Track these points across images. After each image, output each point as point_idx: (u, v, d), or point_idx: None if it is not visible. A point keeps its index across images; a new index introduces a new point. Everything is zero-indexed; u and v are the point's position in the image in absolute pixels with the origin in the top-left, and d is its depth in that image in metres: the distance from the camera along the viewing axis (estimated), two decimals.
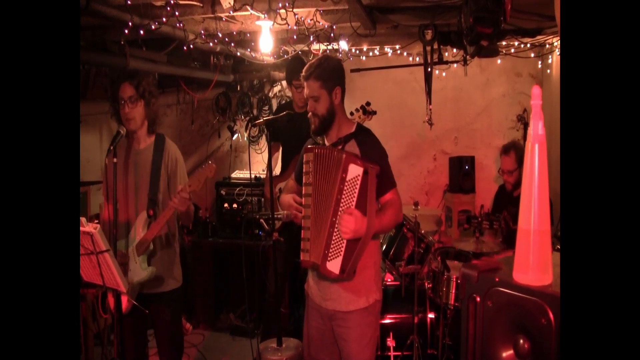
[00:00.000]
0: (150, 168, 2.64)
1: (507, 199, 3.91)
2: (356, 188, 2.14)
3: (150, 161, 2.65)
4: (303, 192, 2.31)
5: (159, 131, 2.75)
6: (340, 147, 2.34)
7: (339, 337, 2.42)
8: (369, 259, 2.36)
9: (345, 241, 2.17)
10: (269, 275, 3.93)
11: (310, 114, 2.37)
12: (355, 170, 2.14)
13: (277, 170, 4.16)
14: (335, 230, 2.18)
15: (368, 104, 3.20)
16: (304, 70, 2.36)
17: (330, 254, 2.20)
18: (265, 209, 4.29)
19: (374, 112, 3.32)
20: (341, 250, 2.18)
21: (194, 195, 2.57)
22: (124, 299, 2.52)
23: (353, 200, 2.16)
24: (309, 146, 2.37)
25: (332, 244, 2.20)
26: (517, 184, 3.72)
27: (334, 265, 2.20)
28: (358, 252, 2.18)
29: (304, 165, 2.32)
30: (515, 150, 3.78)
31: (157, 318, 2.73)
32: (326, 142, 2.43)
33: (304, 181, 2.31)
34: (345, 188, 2.16)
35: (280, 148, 4.08)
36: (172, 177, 2.70)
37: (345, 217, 2.13)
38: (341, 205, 2.17)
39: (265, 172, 4.34)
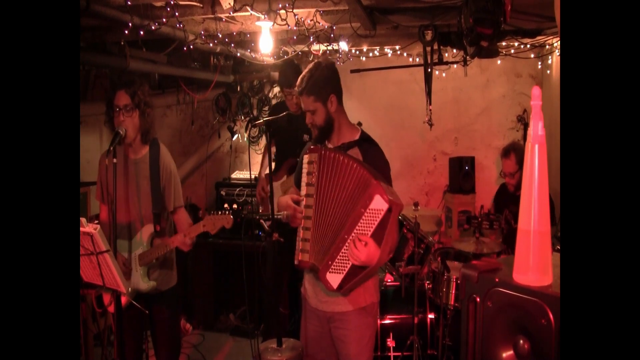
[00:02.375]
0: (150, 182, 2.65)
1: (509, 198, 3.92)
2: (377, 220, 2.06)
3: (149, 174, 2.66)
4: (305, 192, 2.28)
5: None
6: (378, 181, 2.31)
7: (337, 339, 2.41)
8: None
9: (350, 263, 2.13)
10: (266, 275, 3.93)
11: (310, 124, 2.37)
12: (380, 204, 2.05)
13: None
14: (345, 247, 2.13)
15: (359, 124, 3.22)
16: (297, 85, 2.34)
17: (333, 266, 2.18)
18: (259, 209, 4.30)
19: (359, 124, 3.32)
20: (345, 269, 2.15)
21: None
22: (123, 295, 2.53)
23: (370, 229, 2.08)
24: (312, 146, 2.33)
25: (338, 259, 2.16)
26: (520, 185, 3.71)
27: (333, 279, 2.17)
28: (361, 278, 2.15)
29: (307, 165, 2.28)
30: (515, 152, 3.79)
31: (155, 318, 2.74)
32: (328, 145, 2.41)
33: (306, 181, 2.28)
34: (366, 214, 2.08)
35: (275, 148, 4.09)
36: (166, 187, 2.70)
37: (359, 245, 2.06)
38: (357, 227, 2.11)
39: (258, 172, 4.34)
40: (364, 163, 2.22)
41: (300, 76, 2.34)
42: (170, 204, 2.72)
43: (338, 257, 2.16)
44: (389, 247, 2.14)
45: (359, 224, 2.10)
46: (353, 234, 2.11)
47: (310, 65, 2.36)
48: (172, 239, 2.62)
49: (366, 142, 2.38)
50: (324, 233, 2.22)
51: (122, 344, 2.52)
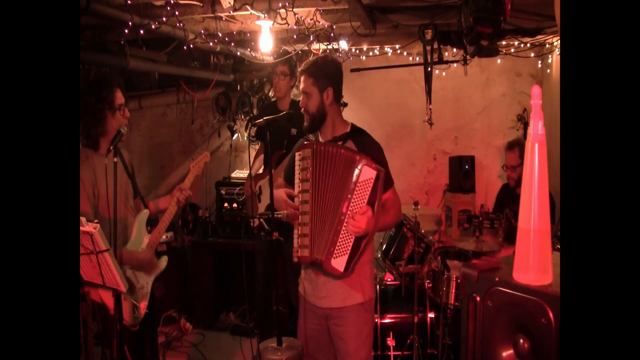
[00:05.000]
0: (125, 172, 2.70)
1: (510, 196, 3.94)
2: (368, 189, 2.17)
3: (122, 165, 2.70)
4: (300, 188, 2.30)
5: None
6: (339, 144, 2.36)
7: (335, 336, 2.42)
8: (366, 256, 2.37)
9: (352, 239, 2.19)
10: (257, 274, 3.95)
11: (302, 109, 2.42)
12: (368, 173, 2.16)
13: (260, 170, 4.17)
14: (344, 227, 2.19)
15: (344, 104, 3.27)
16: (302, 64, 2.42)
17: (336, 252, 2.21)
18: (247, 206, 4.30)
19: (345, 104, 3.38)
20: (347, 249, 2.19)
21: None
22: (142, 307, 2.56)
23: (364, 200, 2.18)
24: (305, 142, 2.36)
25: (339, 242, 2.20)
26: (520, 181, 3.78)
27: (339, 263, 2.20)
28: (362, 250, 2.21)
29: (300, 162, 2.31)
30: (519, 147, 3.90)
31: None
32: (321, 140, 2.45)
33: (300, 177, 2.30)
34: (357, 188, 2.17)
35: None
36: (134, 174, 2.79)
37: (358, 217, 2.15)
38: (352, 204, 2.18)
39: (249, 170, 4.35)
40: (359, 152, 2.29)
41: (308, 59, 2.43)
42: (137, 190, 2.83)
43: (339, 240, 2.20)
44: (381, 212, 2.23)
45: (354, 199, 2.19)
46: (350, 211, 2.18)
47: (321, 55, 2.48)
48: (170, 209, 2.68)
49: (358, 133, 2.44)
50: (323, 224, 2.24)
51: (122, 343, 2.52)
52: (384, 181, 2.23)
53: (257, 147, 6.03)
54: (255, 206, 3.85)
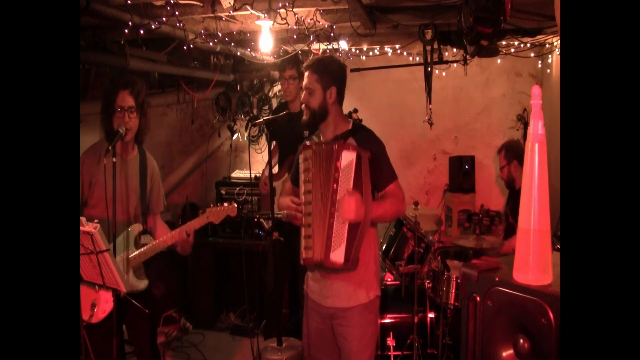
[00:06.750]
0: (139, 181, 2.70)
1: (510, 195, 3.96)
2: (351, 174, 2.18)
3: (138, 174, 2.70)
4: (303, 189, 2.31)
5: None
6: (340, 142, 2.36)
7: (339, 336, 2.42)
8: (369, 254, 2.38)
9: (346, 228, 2.19)
10: (268, 274, 3.94)
11: (303, 105, 2.42)
12: (348, 157, 2.18)
13: (275, 169, 4.17)
14: (336, 219, 2.20)
15: (355, 110, 3.23)
16: (308, 60, 2.43)
17: (333, 245, 2.21)
18: (262, 206, 4.30)
19: (360, 120, 3.37)
20: (343, 238, 2.20)
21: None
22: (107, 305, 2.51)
23: (350, 185, 2.19)
24: (306, 143, 2.37)
25: (334, 235, 2.21)
26: (509, 180, 3.87)
27: (337, 255, 2.21)
28: (359, 237, 2.20)
29: (302, 163, 2.32)
30: (504, 148, 3.96)
31: (135, 318, 2.72)
32: (322, 139, 2.46)
33: (303, 179, 2.31)
34: (340, 176, 2.19)
35: (278, 149, 4.10)
36: (153, 188, 2.78)
37: (345, 200, 2.15)
38: (338, 194, 2.20)
39: (262, 170, 4.34)
40: (339, 142, 2.31)
41: (314, 56, 2.45)
42: (160, 205, 2.81)
43: (333, 232, 2.21)
44: (370, 195, 2.23)
45: (340, 187, 2.20)
46: (338, 201, 2.19)
47: (327, 54, 2.45)
48: (170, 235, 2.63)
49: (359, 130, 2.45)
50: (320, 222, 2.25)
51: (122, 344, 2.52)
52: (379, 173, 2.26)
53: (257, 146, 6.06)
54: (268, 206, 3.85)
